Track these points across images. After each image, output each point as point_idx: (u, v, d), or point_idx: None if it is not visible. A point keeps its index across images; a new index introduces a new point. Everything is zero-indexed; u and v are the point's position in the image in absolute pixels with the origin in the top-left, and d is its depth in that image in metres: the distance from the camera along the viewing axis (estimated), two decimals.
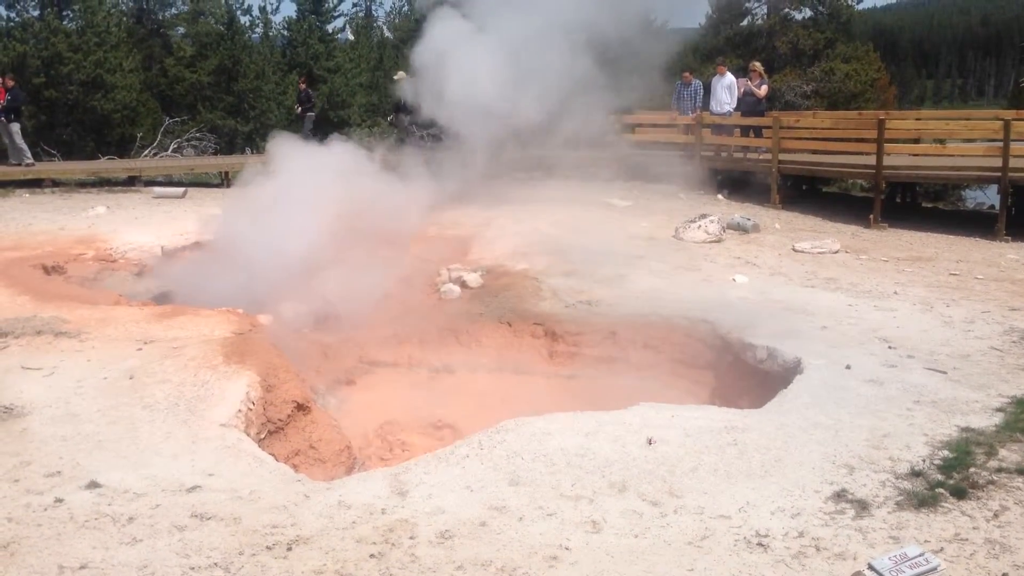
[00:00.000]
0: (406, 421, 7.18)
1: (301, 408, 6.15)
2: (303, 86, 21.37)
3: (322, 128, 21.81)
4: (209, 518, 4.15)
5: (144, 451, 4.92)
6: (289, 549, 3.87)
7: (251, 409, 5.66)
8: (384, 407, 7.33)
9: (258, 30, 30.82)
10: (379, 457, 6.63)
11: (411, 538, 3.97)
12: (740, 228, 12.44)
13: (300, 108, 21.37)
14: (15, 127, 17.32)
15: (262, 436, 5.62)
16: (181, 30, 30.87)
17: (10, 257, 10.13)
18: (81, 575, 3.66)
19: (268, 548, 3.88)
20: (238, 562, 3.76)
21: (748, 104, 16.58)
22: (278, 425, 5.90)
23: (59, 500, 4.31)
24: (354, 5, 38.05)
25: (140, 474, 4.62)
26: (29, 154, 17.66)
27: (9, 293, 8.41)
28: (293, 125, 26.02)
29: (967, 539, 3.96)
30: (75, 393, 5.79)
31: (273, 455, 5.23)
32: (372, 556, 3.82)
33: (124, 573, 3.67)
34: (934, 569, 3.52)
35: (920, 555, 3.57)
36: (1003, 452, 4.83)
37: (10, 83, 17.22)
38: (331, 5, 33.93)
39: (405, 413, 7.30)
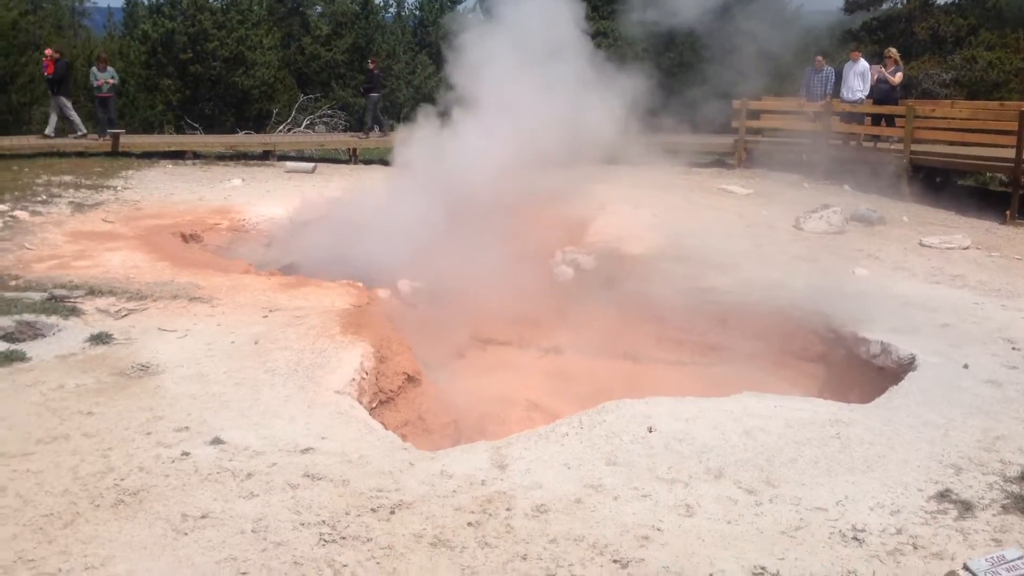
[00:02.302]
0: (512, 398, 7.35)
1: (411, 380, 6.39)
2: (372, 67, 20.84)
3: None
4: (320, 479, 4.39)
5: (264, 412, 5.22)
6: (392, 512, 4.08)
7: (364, 378, 5.92)
8: (493, 384, 7.51)
9: (391, 10, 31.51)
10: (480, 430, 6.81)
11: (507, 510, 4.11)
12: (865, 220, 12.11)
13: (364, 89, 20.99)
14: (64, 100, 17.39)
15: (373, 405, 5.88)
16: (319, 9, 31.83)
17: (152, 224, 10.78)
18: (201, 523, 3.94)
19: (372, 510, 4.09)
20: (344, 521, 3.98)
21: (881, 92, 16.02)
22: (389, 395, 6.16)
23: (186, 454, 4.63)
24: None
25: (260, 434, 4.92)
26: (81, 126, 17.83)
27: (150, 259, 8.98)
28: (421, 104, 26.66)
29: None
30: (205, 355, 6.16)
31: (383, 423, 5.46)
32: (469, 524, 3.98)
33: (240, 524, 3.93)
34: None
35: (1019, 558, 3.50)
36: None
37: (56, 55, 17.27)
38: None
39: (512, 390, 7.47)
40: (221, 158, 18.03)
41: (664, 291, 8.79)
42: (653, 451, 4.75)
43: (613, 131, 11.26)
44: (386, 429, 5.26)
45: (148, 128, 23.95)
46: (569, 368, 8.14)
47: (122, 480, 4.31)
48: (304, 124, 23.97)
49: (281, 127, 23.65)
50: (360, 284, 8.18)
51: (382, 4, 31.23)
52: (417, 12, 32.46)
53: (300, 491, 4.25)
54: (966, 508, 4.19)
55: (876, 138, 16.15)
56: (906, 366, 6.38)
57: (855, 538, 3.92)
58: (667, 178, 15.20)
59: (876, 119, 16.17)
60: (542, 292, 9.01)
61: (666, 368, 8.02)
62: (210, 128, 23.62)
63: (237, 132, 22.84)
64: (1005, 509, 4.17)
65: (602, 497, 4.25)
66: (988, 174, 17.04)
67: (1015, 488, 4.37)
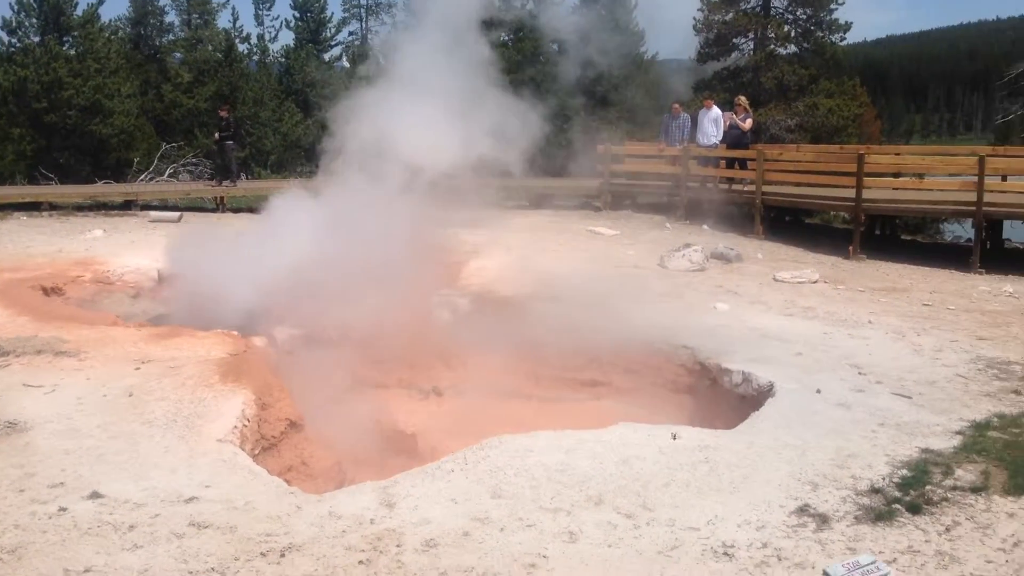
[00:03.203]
0: (395, 439, 7.42)
1: (294, 425, 6.40)
2: (224, 114, 20.75)
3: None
4: (206, 527, 4.37)
5: (144, 464, 5.14)
6: (282, 555, 4.10)
7: (246, 426, 5.89)
8: (375, 425, 7.56)
9: (255, 58, 31.28)
10: (364, 472, 6.84)
11: (398, 546, 4.21)
12: (723, 258, 12.77)
13: (219, 136, 20.75)
14: None
15: (256, 452, 5.85)
16: (179, 56, 31.30)
17: (10, 278, 10.36)
18: None
19: (262, 555, 4.11)
20: (234, 567, 3.99)
21: (733, 137, 16.96)
22: (272, 442, 6.14)
23: (63, 509, 4.53)
24: (350, 34, 38.69)
25: (140, 486, 4.84)
26: None
27: (9, 313, 8.64)
28: (291, 152, 26.50)
29: (919, 551, 4.22)
30: (76, 409, 6.01)
31: (266, 470, 5.45)
32: (360, 563, 4.05)
33: None
34: None
35: (872, 563, 3.83)
36: (959, 472, 5.11)
37: None
38: (329, 34, 34.54)
39: (395, 431, 7.54)
40: (79, 209, 17.47)
41: (539, 331, 9.05)
42: (536, 482, 4.93)
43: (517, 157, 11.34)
44: (271, 475, 5.26)
45: None
46: (450, 407, 8.28)
47: None
48: (167, 173, 23.45)
49: (143, 176, 23.05)
50: (235, 333, 8.10)
51: (246, 52, 30.98)
52: (282, 59, 32.31)
53: (186, 540, 4.23)
54: (823, 521, 4.52)
55: (731, 180, 17.04)
56: (765, 393, 6.81)
57: (725, 554, 4.19)
58: (537, 221, 15.63)
59: (730, 162, 17.08)
60: (420, 335, 9.12)
61: (544, 404, 8.24)
62: (66, 178, 22.78)
63: (96, 182, 22.13)
64: (857, 520, 4.53)
65: (489, 529, 4.39)
66: (832, 212, 18.23)
67: (865, 500, 4.75)
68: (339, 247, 9.33)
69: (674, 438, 5.56)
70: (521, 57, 26.01)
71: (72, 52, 24.82)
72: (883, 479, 5.02)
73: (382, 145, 10.24)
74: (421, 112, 10.19)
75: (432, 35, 11.15)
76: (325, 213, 10.10)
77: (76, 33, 25.17)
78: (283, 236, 9.85)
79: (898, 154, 17.68)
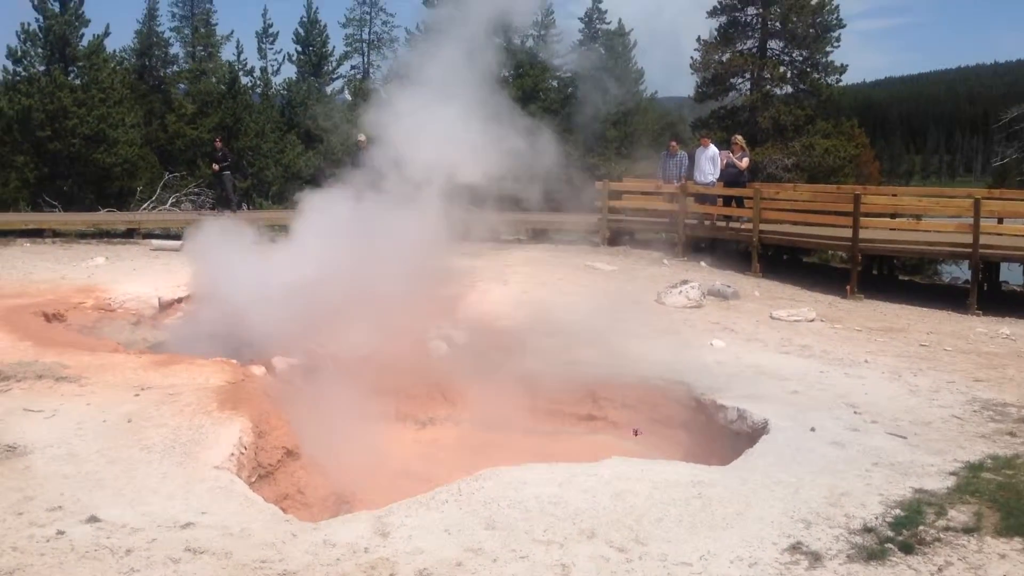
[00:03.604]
0: (391, 469, 7.44)
1: (291, 454, 6.43)
2: (219, 144, 21.60)
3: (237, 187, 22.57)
4: (202, 552, 4.40)
5: (141, 490, 5.18)
6: None
7: (243, 453, 5.92)
8: (372, 455, 7.58)
9: (258, 90, 31.57)
10: (360, 501, 6.86)
11: (391, 575, 4.24)
12: (720, 295, 12.83)
13: (217, 167, 21.46)
14: None
15: (253, 479, 5.88)
16: (183, 87, 31.62)
17: (13, 304, 10.42)
18: None
19: None
20: None
21: (730, 175, 17.11)
22: (268, 470, 6.17)
23: (61, 532, 4.56)
24: (352, 67, 38.99)
25: (137, 511, 4.88)
26: None
27: (12, 339, 8.69)
28: (290, 182, 26.65)
29: None
30: (75, 434, 6.04)
31: (262, 497, 5.48)
32: None
33: None
34: None
35: None
36: (952, 512, 5.13)
37: None
38: (331, 67, 34.91)
39: (391, 461, 7.56)
40: (83, 236, 17.59)
41: (536, 364, 9.09)
42: (529, 514, 4.96)
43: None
44: (267, 502, 5.29)
45: (2, 206, 23.09)
46: (446, 439, 8.31)
47: None
48: (169, 202, 23.60)
49: (146, 205, 23.21)
50: (234, 361, 8.15)
51: (250, 84, 31.27)
52: (284, 92, 32.61)
53: (182, 565, 4.26)
54: (816, 559, 4.55)
55: (728, 218, 17.16)
56: (760, 430, 6.83)
57: None
58: (535, 255, 15.70)
59: (727, 200, 17.21)
60: (418, 367, 9.17)
61: (540, 437, 8.27)
62: (69, 206, 22.95)
63: (99, 210, 22.28)
64: (850, 558, 4.56)
65: (482, 560, 4.42)
66: (829, 251, 18.33)
67: (858, 539, 4.78)
68: (347, 272, 9.41)
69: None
70: (521, 93, 26.33)
71: (77, 82, 25.09)
72: (876, 518, 5.05)
73: (400, 163, 10.34)
74: (440, 130, 10.30)
75: (451, 52, 11.26)
76: (338, 238, 10.18)
77: (81, 63, 25.44)
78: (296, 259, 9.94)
79: (895, 195, 17.82)
